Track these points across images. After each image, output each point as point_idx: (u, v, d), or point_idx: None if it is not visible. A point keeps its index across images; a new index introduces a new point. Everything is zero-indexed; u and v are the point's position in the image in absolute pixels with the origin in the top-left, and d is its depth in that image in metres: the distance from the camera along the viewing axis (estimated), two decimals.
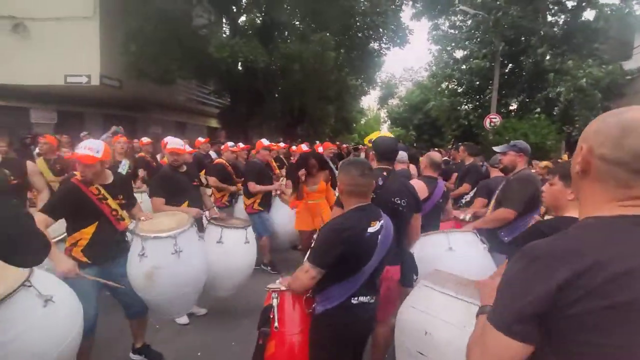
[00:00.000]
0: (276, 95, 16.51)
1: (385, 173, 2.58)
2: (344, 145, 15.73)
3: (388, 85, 37.15)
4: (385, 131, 40.39)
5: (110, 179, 2.69)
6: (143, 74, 10.98)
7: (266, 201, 4.97)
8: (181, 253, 2.64)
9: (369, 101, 57.56)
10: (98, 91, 11.24)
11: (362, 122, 42.81)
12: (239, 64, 11.55)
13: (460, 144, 7.77)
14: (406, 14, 16.31)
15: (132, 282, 2.63)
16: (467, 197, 5.04)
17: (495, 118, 14.26)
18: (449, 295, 1.91)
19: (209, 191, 5.38)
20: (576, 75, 11.38)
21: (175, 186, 3.50)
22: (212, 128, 18.35)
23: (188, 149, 5.79)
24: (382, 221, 1.94)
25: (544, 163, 6.93)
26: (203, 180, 4.84)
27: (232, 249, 3.44)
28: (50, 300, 1.87)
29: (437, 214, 3.49)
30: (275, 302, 2.06)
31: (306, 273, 1.85)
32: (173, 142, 3.70)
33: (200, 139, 7.59)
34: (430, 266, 2.53)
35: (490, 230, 3.01)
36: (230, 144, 5.66)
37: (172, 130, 15.45)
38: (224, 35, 11.43)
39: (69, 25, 10.41)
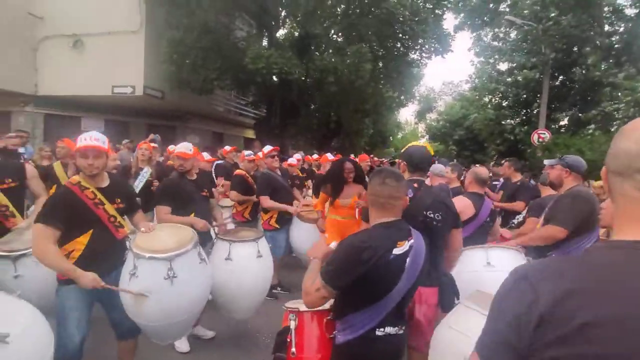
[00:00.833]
0: (312, 107, 16.52)
1: (416, 185, 2.35)
2: (376, 159, 15.28)
3: (427, 99, 36.38)
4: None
5: (106, 181, 2.43)
6: (183, 83, 11.36)
7: (284, 218, 4.50)
8: (175, 279, 2.30)
9: (407, 115, 56.64)
10: (141, 101, 11.78)
11: (399, 136, 42.12)
12: (274, 75, 11.60)
13: (504, 160, 7.17)
14: (448, 22, 15.68)
15: (122, 300, 2.35)
16: (520, 217, 4.69)
17: (544, 133, 13.34)
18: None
19: (224, 202, 5.19)
20: (636, 89, 10.32)
21: (181, 195, 3.19)
22: (249, 139, 18.67)
23: (206, 156, 5.49)
24: (411, 241, 1.67)
25: (599, 182, 6.27)
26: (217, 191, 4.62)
27: (242, 265, 3.09)
28: (2, 341, 1.55)
29: (483, 235, 3.18)
30: (292, 324, 1.89)
31: (317, 291, 1.61)
32: (180, 146, 3.37)
33: (227, 148, 7.24)
34: (467, 284, 2.39)
35: (540, 251, 2.81)
36: (247, 152, 5.16)
37: (209, 140, 15.87)
38: (261, 47, 11.58)
39: (117, 39, 11.08)
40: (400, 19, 12.99)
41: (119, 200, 2.44)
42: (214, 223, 3.47)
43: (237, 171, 4.91)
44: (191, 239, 2.51)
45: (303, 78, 11.97)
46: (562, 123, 16.14)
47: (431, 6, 13.77)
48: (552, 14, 12.88)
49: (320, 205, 4.30)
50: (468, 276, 2.56)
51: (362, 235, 1.69)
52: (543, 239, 2.83)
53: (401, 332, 1.72)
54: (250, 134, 18.30)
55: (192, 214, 3.17)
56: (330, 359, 1.76)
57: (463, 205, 2.91)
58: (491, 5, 17.04)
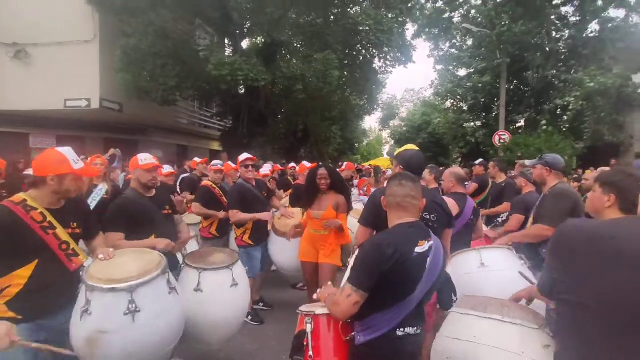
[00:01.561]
0: (279, 116, 16.32)
1: None
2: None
3: (389, 106, 37.34)
4: (385, 154, 40.33)
5: (62, 201, 2.04)
6: (142, 93, 10.78)
7: (259, 233, 3.98)
8: (138, 314, 1.89)
9: (371, 123, 57.83)
10: (98, 114, 11.03)
11: (364, 143, 42.83)
12: (240, 83, 11.31)
13: (478, 161, 7.27)
14: (409, 32, 16.09)
15: (73, 344, 1.91)
16: (504, 217, 4.74)
17: (504, 135, 13.98)
18: (497, 320, 1.79)
19: (190, 219, 4.69)
20: (585, 84, 11.10)
21: (137, 216, 2.62)
22: (215, 151, 18.09)
23: (167, 169, 5.12)
24: (431, 241, 1.70)
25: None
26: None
27: (214, 297, 2.66)
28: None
29: (468, 232, 3.33)
30: (309, 327, 1.86)
31: (348, 298, 1.60)
32: (145, 158, 2.83)
33: (197, 160, 6.68)
34: (463, 287, 2.44)
35: (531, 248, 2.94)
36: (215, 162, 4.70)
37: (174, 153, 15.18)
38: (225, 55, 11.27)
39: (69, 49, 10.36)
40: (366, 28, 13.24)
41: (75, 225, 2.06)
42: (180, 242, 2.91)
43: (204, 182, 4.54)
44: (158, 265, 2.10)
45: (270, 86, 11.76)
46: (519, 124, 17.02)
47: (394, 16, 14.12)
48: (505, 22, 13.67)
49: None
50: (464, 279, 2.58)
51: (383, 234, 1.72)
52: (533, 237, 2.95)
53: (419, 332, 1.73)
54: (216, 145, 17.77)
55: (152, 237, 2.65)
56: (350, 359, 1.76)
57: (450, 205, 2.86)
58: (445, 15, 17.82)
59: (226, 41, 14.25)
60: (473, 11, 16.11)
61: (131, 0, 9.81)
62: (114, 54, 10.27)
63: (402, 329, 1.65)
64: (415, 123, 27.78)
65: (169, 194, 3.58)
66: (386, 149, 47.36)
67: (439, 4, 16.70)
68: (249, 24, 13.65)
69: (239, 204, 3.85)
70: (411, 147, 2.78)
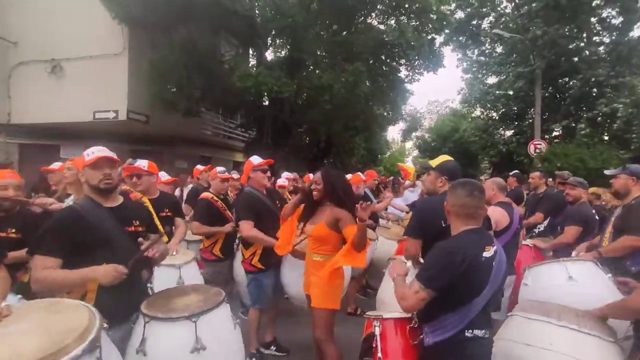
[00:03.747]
0: (303, 126, 16.14)
1: None
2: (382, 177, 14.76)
3: (413, 118, 36.70)
4: (409, 163, 39.65)
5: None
6: (168, 104, 10.81)
7: (271, 255, 3.11)
8: None
9: (393, 134, 57.20)
10: (125, 126, 11.11)
11: (387, 155, 42.21)
12: (264, 95, 11.19)
13: (512, 172, 6.98)
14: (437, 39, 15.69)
15: None
16: (541, 227, 4.87)
17: (540, 144, 13.23)
18: (573, 330, 1.78)
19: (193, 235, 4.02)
20: (637, 90, 10.31)
21: (86, 233, 1.85)
22: (238, 162, 18.07)
23: (164, 177, 4.44)
24: (495, 247, 1.79)
25: (592, 189, 6.55)
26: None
27: None
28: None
29: (517, 241, 3.31)
30: (377, 330, 1.97)
31: (416, 294, 1.69)
32: (87, 152, 2.05)
33: (200, 167, 5.77)
34: (547, 299, 2.39)
35: (613, 260, 2.82)
36: (220, 169, 3.94)
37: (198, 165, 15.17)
38: (249, 67, 11.22)
39: (99, 62, 10.52)
40: (392, 41, 12.99)
41: (13, 230, 1.93)
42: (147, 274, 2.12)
43: (203, 194, 3.81)
44: (80, 337, 1.27)
45: (294, 96, 11.58)
46: (555, 133, 16.13)
47: (425, 35, 13.76)
48: (539, 26, 13.03)
49: None
50: (549, 292, 2.53)
51: (451, 241, 1.77)
52: (622, 249, 2.81)
53: (487, 335, 1.75)
54: (240, 157, 17.71)
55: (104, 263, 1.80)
56: None
57: (500, 214, 2.98)
58: (474, 22, 17.31)
59: (250, 52, 14.23)
60: (503, 18, 15.52)
61: (162, 16, 9.90)
62: (141, 66, 10.38)
63: (470, 331, 1.69)
64: (442, 132, 27.04)
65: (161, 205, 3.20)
66: (409, 160, 46.68)
67: (468, 11, 16.19)
68: (273, 33, 13.66)
69: (251, 215, 3.12)
70: (446, 157, 2.75)
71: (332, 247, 2.66)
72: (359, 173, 5.45)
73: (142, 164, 3.29)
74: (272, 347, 3.52)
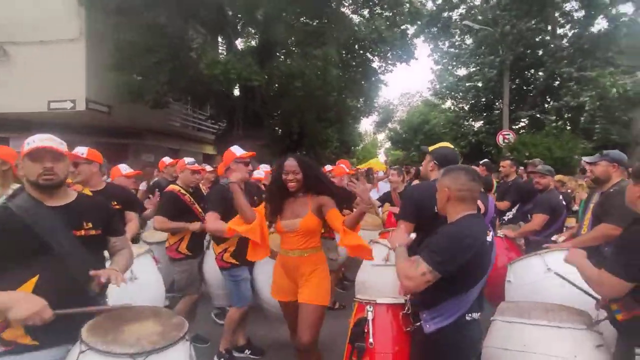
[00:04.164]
0: (275, 117, 15.81)
1: None
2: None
3: (385, 109, 36.99)
4: (381, 155, 39.82)
5: None
6: (134, 95, 10.19)
7: (246, 250, 2.69)
8: None
9: (365, 126, 57.57)
10: (85, 117, 10.40)
11: (360, 146, 42.48)
12: (234, 83, 10.79)
13: (482, 161, 7.16)
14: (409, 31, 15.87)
15: None
16: (510, 215, 5.00)
17: (509, 134, 13.62)
18: (545, 326, 1.82)
19: (157, 237, 3.71)
20: (603, 85, 10.79)
21: (19, 240, 1.52)
22: (208, 155, 17.51)
23: (125, 169, 3.94)
24: (492, 231, 1.83)
25: (558, 177, 6.89)
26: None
27: None
28: None
29: (492, 229, 3.17)
30: (370, 315, 1.95)
31: (422, 276, 1.63)
32: (28, 141, 1.67)
33: (166, 160, 5.24)
34: (530, 293, 2.46)
35: (593, 248, 2.77)
36: (189, 160, 3.56)
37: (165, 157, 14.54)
38: (217, 54, 10.75)
39: (53, 48, 9.72)
40: (364, 35, 12.89)
41: None
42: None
43: (169, 187, 3.46)
44: None
45: (266, 85, 11.26)
46: (522, 124, 16.70)
47: (397, 29, 13.75)
48: (508, 20, 13.34)
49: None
50: (532, 286, 2.54)
51: (459, 225, 1.71)
52: (599, 238, 2.78)
53: (479, 317, 1.77)
54: (210, 149, 17.17)
55: (35, 278, 1.48)
56: (419, 350, 1.80)
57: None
58: (445, 14, 17.50)
59: (219, 40, 13.69)
60: (473, 10, 15.79)
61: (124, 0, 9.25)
62: (102, 52, 9.68)
63: (470, 314, 1.70)
64: (413, 124, 27.43)
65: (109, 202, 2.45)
66: (381, 152, 47.28)
67: (439, 2, 16.33)
68: (242, 22, 13.20)
69: (220, 207, 2.82)
70: (446, 144, 2.74)
71: (318, 238, 2.48)
72: (342, 165, 5.22)
73: (81, 151, 2.93)
74: (247, 350, 3.29)
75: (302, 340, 2.30)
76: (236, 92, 12.89)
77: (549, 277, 2.48)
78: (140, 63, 9.84)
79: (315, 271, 2.39)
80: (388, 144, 39.45)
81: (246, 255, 2.73)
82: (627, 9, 12.72)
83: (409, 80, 49.76)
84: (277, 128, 17.55)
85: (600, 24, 13.52)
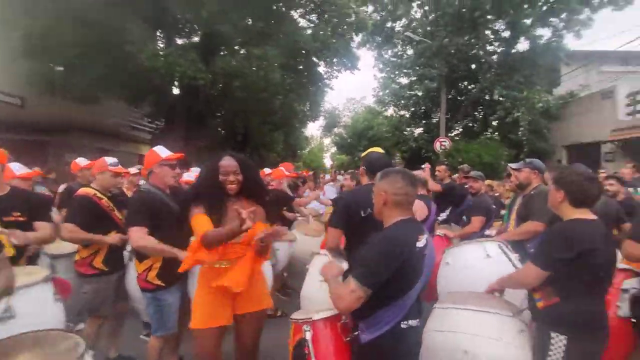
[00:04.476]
0: (218, 118, 15.21)
1: None
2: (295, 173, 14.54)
3: (331, 114, 37.53)
4: (327, 159, 40.09)
5: None
6: (56, 87, 9.11)
7: (174, 269, 2.34)
8: None
9: (312, 130, 58.10)
10: None
11: (306, 151, 42.66)
12: (176, 80, 10.13)
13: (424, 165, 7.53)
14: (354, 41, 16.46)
15: None
16: (444, 215, 5.24)
17: (445, 141, 14.48)
18: (476, 311, 1.99)
19: (62, 248, 3.15)
20: (533, 102, 12.07)
21: None
22: (144, 156, 16.35)
23: (19, 170, 3.29)
24: (426, 235, 1.77)
25: (487, 182, 7.59)
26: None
27: None
28: None
29: (432, 232, 3.61)
30: (308, 335, 1.91)
31: (352, 293, 1.59)
32: None
33: (80, 161, 4.40)
34: (468, 274, 2.67)
35: (516, 243, 3.06)
36: (110, 160, 3.05)
37: (95, 159, 13.25)
38: (158, 48, 10.02)
39: None
40: (311, 45, 12.91)
41: None
42: None
43: (82, 189, 2.95)
44: None
45: (210, 84, 10.73)
46: (457, 132, 17.87)
47: (343, 36, 13.98)
48: (444, 34, 14.25)
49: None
50: (468, 270, 2.70)
51: (389, 232, 1.71)
52: (528, 233, 3.05)
53: (419, 323, 1.77)
54: (146, 150, 16.00)
55: None
56: (357, 359, 1.81)
57: (420, 205, 3.06)
58: (388, 25, 18.20)
59: (158, 34, 12.83)
60: (414, 23, 16.64)
61: None
62: (11, 38, 8.49)
63: (405, 322, 1.68)
64: (357, 129, 28.13)
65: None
66: (327, 156, 47.92)
67: (383, 14, 16.94)
68: (185, 19, 12.51)
69: (144, 219, 2.42)
70: (376, 149, 2.78)
71: (240, 250, 2.19)
72: (281, 168, 5.01)
73: None
74: None
75: (252, 347, 2.26)
76: (176, 89, 12.16)
77: (487, 262, 2.65)
78: (62, 53, 8.80)
79: (253, 278, 2.19)
80: (334, 149, 40.02)
81: (174, 274, 2.38)
82: (546, 32, 14.29)
83: (355, 86, 51.14)
84: (220, 129, 16.92)
85: (523, 45, 15.00)
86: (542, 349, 1.81)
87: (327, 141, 45.27)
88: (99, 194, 2.91)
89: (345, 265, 1.94)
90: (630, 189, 5.13)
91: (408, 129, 18.52)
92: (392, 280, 1.60)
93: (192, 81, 9.59)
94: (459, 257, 2.84)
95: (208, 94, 11.44)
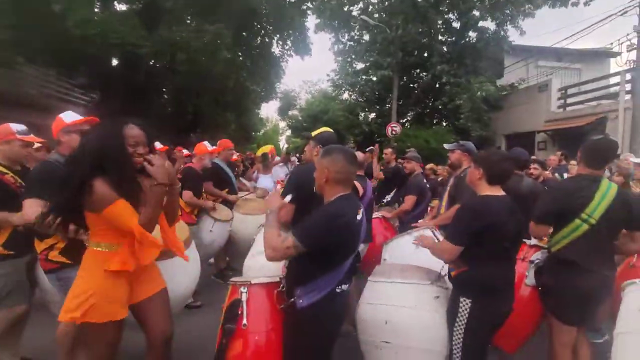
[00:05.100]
0: (165, 95, 14.26)
1: None
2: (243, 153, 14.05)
3: (287, 96, 36.88)
4: (283, 141, 39.67)
5: None
6: None
7: (79, 246, 2.12)
8: None
9: (269, 112, 56.95)
10: None
11: (260, 132, 41.82)
12: (116, 49, 9.19)
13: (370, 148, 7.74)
14: (309, 22, 16.28)
15: None
16: (388, 198, 5.48)
17: (396, 126, 14.82)
18: (397, 283, 2.18)
19: None
20: (473, 91, 12.55)
21: None
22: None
23: None
24: (362, 209, 1.91)
25: (430, 165, 8.33)
26: None
27: None
28: None
29: (370, 211, 3.63)
30: (244, 296, 1.97)
31: (287, 249, 1.71)
32: None
33: None
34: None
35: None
36: (17, 127, 2.56)
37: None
38: (91, 11, 8.99)
39: None
40: (264, 11, 12.31)
41: None
42: None
43: None
44: None
45: (153, 55, 9.93)
46: (408, 117, 18.35)
47: (293, 0, 13.52)
48: (398, 22, 14.42)
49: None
50: (406, 258, 2.81)
51: (333, 205, 1.80)
52: (452, 217, 3.13)
53: (349, 288, 1.92)
54: None
55: None
56: (292, 324, 1.85)
57: (356, 185, 3.14)
58: (345, 8, 18.00)
59: None
60: (370, 7, 16.60)
61: None
62: None
63: (339, 286, 1.82)
64: (313, 112, 27.94)
65: None
66: (283, 138, 47.28)
67: None
68: None
69: (44, 193, 2.07)
70: (326, 129, 2.93)
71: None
72: (205, 142, 4.61)
73: None
74: None
75: (169, 331, 2.00)
76: (113, 59, 11.13)
77: (417, 252, 2.68)
78: None
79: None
80: (289, 132, 39.58)
81: (81, 250, 2.03)
82: (492, 25, 14.95)
83: (312, 67, 50.62)
84: (168, 107, 15.90)
85: (471, 36, 15.58)
86: (453, 313, 2.03)
87: (282, 124, 44.68)
88: (2, 168, 2.47)
89: (288, 198, 2.04)
90: (557, 175, 5.59)
91: (362, 113, 18.73)
92: (332, 250, 1.75)
93: (135, 48, 8.72)
94: (394, 251, 3.03)
95: (151, 66, 10.59)
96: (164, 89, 13.82)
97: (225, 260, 5.00)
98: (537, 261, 2.44)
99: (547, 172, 4.87)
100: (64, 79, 13.52)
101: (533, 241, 2.61)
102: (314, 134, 2.86)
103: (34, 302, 2.73)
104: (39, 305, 2.79)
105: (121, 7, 12.05)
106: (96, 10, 11.70)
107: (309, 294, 1.78)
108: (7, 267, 2.45)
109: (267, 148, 7.50)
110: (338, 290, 1.82)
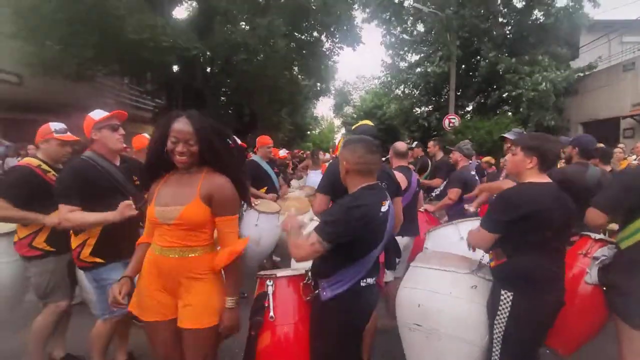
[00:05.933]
0: (221, 97, 14.94)
1: None
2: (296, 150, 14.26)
3: (341, 92, 36.72)
4: (338, 140, 40.03)
5: None
6: (49, 66, 8.99)
7: (112, 243, 2.25)
8: None
9: (324, 110, 57.24)
10: None
11: (315, 132, 42.10)
12: (170, 54, 9.82)
13: (414, 143, 7.61)
14: (359, 17, 16.03)
15: None
16: (437, 191, 5.27)
17: (454, 119, 13.93)
18: (434, 269, 2.22)
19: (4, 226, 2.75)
20: (535, 78, 11.47)
21: None
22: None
23: None
24: (389, 201, 1.87)
25: (487, 158, 8.05)
26: None
27: None
28: None
29: (415, 203, 3.56)
30: (270, 289, 1.99)
31: (312, 246, 1.69)
32: None
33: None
34: None
35: None
36: (56, 126, 2.61)
37: None
38: (146, 16, 9.64)
39: None
40: (313, 7, 12.35)
41: None
42: None
43: (24, 160, 2.65)
44: None
45: (206, 59, 10.43)
46: (468, 109, 17.17)
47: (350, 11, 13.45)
48: (453, 6, 13.45)
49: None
50: (446, 249, 2.75)
51: (353, 197, 1.77)
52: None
53: (375, 282, 1.87)
54: (150, 129, 16.00)
55: None
56: (317, 316, 1.86)
57: (399, 178, 3.06)
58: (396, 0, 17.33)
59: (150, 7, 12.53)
60: None
61: None
62: (3, 13, 8.36)
63: (365, 280, 1.79)
64: (366, 109, 27.50)
65: None
66: (338, 137, 47.23)
67: None
68: None
69: (78, 196, 2.12)
70: (366, 122, 2.96)
71: (210, 234, 1.76)
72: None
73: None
74: None
75: None
76: (174, 66, 11.91)
77: (461, 243, 2.65)
78: (54, 34, 8.55)
79: (201, 281, 1.70)
80: (344, 130, 39.44)
81: (115, 248, 2.15)
82: (564, 2, 13.24)
83: (367, 62, 49.83)
84: (224, 111, 16.64)
85: (537, 16, 14.01)
86: (494, 306, 1.92)
87: (337, 122, 44.59)
88: (43, 166, 2.51)
89: (306, 219, 2.21)
90: None
91: (418, 108, 17.90)
92: (355, 242, 1.70)
93: (185, 53, 9.23)
94: (436, 241, 3.03)
95: (205, 69, 11.15)
96: (223, 89, 14.41)
97: (271, 261, 4.81)
98: (602, 258, 2.17)
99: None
100: (134, 87, 14.89)
101: (599, 235, 2.32)
102: (353, 127, 2.94)
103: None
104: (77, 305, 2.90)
105: (179, 15, 12.90)
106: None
107: (332, 286, 1.77)
108: (50, 263, 2.51)
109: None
110: (363, 284, 1.78)
